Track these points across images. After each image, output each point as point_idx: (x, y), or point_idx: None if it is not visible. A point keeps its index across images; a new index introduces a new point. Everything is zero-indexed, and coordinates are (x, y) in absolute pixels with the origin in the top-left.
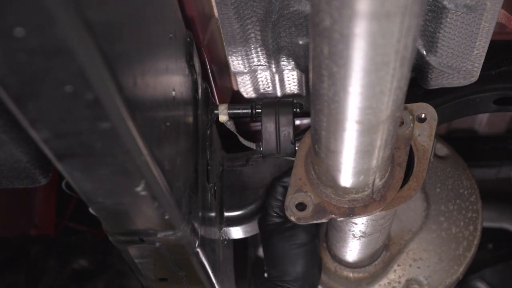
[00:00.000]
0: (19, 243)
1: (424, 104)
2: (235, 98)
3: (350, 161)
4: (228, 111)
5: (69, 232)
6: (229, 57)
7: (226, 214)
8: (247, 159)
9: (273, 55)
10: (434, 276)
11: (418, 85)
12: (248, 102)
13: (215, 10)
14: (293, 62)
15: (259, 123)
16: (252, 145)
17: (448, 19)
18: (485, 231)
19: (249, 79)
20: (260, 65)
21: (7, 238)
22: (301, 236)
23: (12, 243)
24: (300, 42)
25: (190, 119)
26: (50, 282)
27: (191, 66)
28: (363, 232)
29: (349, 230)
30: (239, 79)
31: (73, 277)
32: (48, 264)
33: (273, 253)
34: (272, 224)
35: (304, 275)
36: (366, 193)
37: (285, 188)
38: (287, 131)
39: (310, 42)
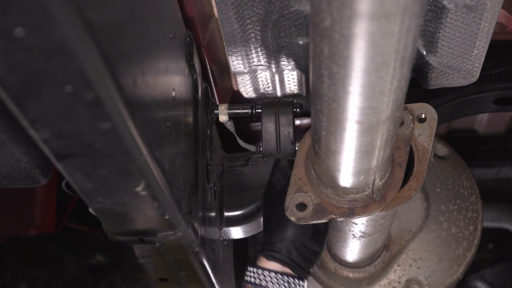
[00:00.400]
0: (38, 240)
1: (424, 104)
2: (235, 98)
3: (350, 161)
4: (228, 111)
5: (69, 232)
6: (229, 57)
7: (226, 214)
8: (247, 159)
9: (273, 55)
10: (434, 276)
11: (418, 85)
12: (248, 102)
13: (215, 10)
14: (293, 62)
15: (259, 123)
16: (251, 147)
17: (448, 19)
18: (485, 231)
19: (249, 79)
20: (260, 65)
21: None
22: None
23: (30, 240)
24: (300, 42)
25: (190, 119)
26: (69, 277)
27: (191, 66)
28: (363, 232)
29: (349, 230)
30: (239, 79)
31: (90, 271)
32: (66, 260)
33: (266, 219)
34: (274, 192)
35: (292, 239)
36: (366, 193)
37: (289, 162)
38: (287, 131)
39: (310, 42)
